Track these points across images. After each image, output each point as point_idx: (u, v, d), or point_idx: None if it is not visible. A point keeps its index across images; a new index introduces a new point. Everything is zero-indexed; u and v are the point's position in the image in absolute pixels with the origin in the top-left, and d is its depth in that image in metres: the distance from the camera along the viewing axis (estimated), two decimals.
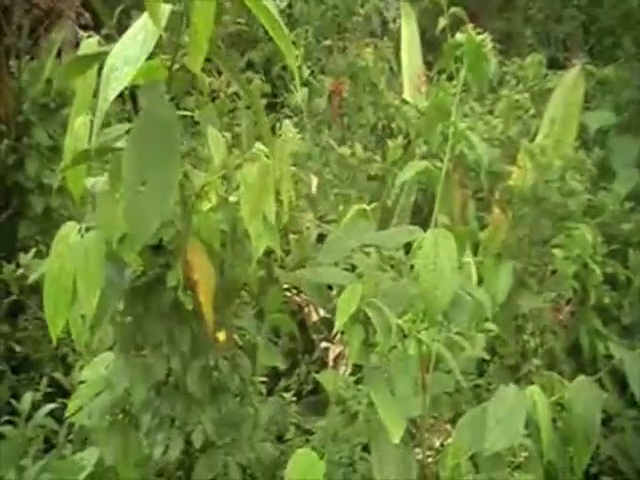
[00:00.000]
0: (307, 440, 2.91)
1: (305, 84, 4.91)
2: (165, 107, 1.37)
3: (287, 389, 3.43)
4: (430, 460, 2.10)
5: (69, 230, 1.57)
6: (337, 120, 4.76)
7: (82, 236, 1.56)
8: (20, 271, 3.05)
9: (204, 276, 1.70)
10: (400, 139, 3.73)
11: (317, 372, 3.65)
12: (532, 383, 2.87)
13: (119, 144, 1.44)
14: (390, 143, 3.68)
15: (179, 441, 1.83)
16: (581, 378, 1.73)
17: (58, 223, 1.68)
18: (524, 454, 2.03)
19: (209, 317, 1.72)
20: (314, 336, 3.79)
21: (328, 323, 3.06)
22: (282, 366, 2.30)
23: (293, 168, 3.67)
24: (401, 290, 1.71)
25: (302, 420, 3.06)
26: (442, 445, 2.22)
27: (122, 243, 1.52)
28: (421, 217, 3.77)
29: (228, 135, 1.60)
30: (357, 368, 2.34)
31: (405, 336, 1.72)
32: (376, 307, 1.63)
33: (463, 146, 3.15)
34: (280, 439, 2.73)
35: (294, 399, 3.10)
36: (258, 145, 1.69)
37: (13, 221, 3.88)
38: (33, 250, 3.04)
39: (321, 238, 2.61)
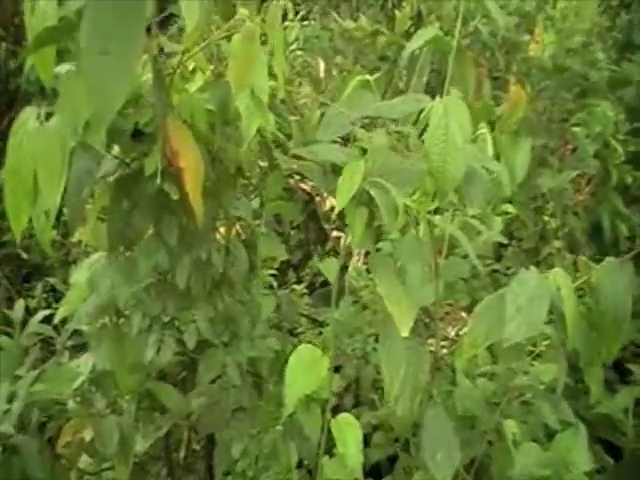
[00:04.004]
0: (320, 333, 2.83)
1: None
2: None
3: (300, 281, 3.36)
4: (445, 351, 1.99)
5: (28, 116, 1.40)
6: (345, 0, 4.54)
7: (41, 123, 1.39)
8: None
9: (191, 163, 1.53)
10: (408, 9, 3.49)
11: None
12: (553, 266, 2.76)
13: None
14: (398, 13, 3.45)
15: (171, 342, 1.71)
16: (610, 259, 1.58)
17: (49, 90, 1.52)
18: (546, 342, 1.91)
19: (198, 208, 1.56)
20: (326, 226, 3.69)
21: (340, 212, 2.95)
22: (284, 256, 2.17)
23: (300, 52, 3.49)
24: (410, 167, 1.54)
25: (314, 312, 2.98)
26: (458, 335, 2.11)
27: (89, 128, 1.35)
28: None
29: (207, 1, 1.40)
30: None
31: (414, 218, 1.57)
32: (381, 186, 1.46)
33: (477, 22, 2.94)
34: (292, 332, 2.64)
35: (306, 291, 3.02)
36: (243, 10, 1.50)
37: None
38: None
39: None
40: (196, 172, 1.57)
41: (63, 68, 1.54)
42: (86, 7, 1.12)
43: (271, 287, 2.49)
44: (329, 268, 1.58)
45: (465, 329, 2.04)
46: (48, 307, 2.64)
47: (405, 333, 1.43)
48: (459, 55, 2.39)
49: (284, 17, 4.72)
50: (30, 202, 1.36)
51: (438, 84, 3.90)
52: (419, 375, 1.61)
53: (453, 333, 2.11)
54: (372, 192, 1.43)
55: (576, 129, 3.16)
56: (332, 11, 4.43)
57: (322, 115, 2.42)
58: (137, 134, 1.56)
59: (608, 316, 1.50)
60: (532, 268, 1.52)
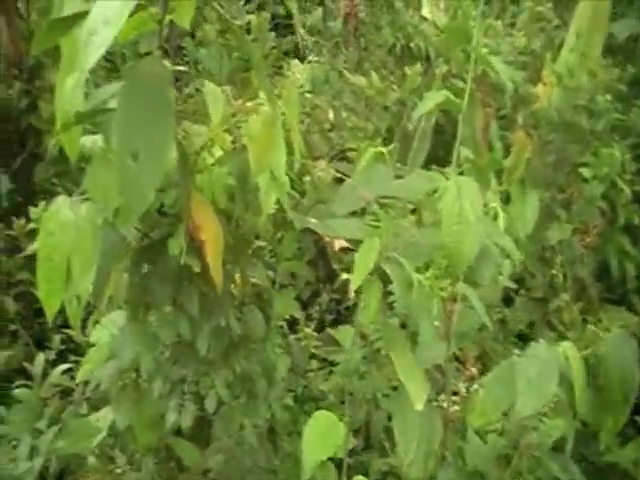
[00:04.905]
0: (330, 371, 2.87)
1: (320, 4, 4.76)
2: (154, 63, 1.24)
3: (309, 318, 3.40)
4: (456, 408, 2.03)
5: (60, 205, 1.46)
6: (353, 42, 4.59)
7: (73, 212, 1.45)
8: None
9: (212, 236, 1.60)
10: (418, 65, 3.55)
11: (338, 302, 3.61)
12: (562, 321, 2.80)
13: (112, 104, 1.32)
14: (408, 70, 3.51)
15: (192, 407, 1.77)
16: (617, 332, 1.63)
17: (74, 165, 1.58)
18: (555, 399, 1.96)
19: (218, 279, 1.62)
20: (335, 266, 3.73)
21: (348, 251, 3.01)
22: (298, 312, 2.23)
23: (309, 95, 3.55)
24: (423, 240, 1.60)
25: (324, 351, 3.01)
26: (468, 390, 2.15)
27: (118, 215, 1.41)
28: (443, 139, 3.64)
29: (227, 87, 1.47)
30: None
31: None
32: (395, 261, 1.52)
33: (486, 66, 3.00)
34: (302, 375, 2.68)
35: (317, 333, 3.05)
36: (262, 94, 1.56)
37: (29, 164, 3.83)
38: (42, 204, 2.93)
39: (338, 179, 2.50)
40: (216, 244, 1.63)
41: (88, 141, 1.60)
42: (117, 110, 1.18)
43: (281, 327, 2.53)
44: (343, 336, 1.63)
45: (475, 386, 2.09)
46: (62, 355, 2.69)
47: (420, 407, 1.48)
48: (469, 99, 2.45)
49: (294, 53, 4.81)
50: (63, 287, 1.42)
51: (447, 122, 3.97)
52: (432, 439, 1.66)
53: (463, 389, 2.15)
54: (387, 269, 1.48)
55: (583, 170, 3.20)
56: (340, 52, 4.49)
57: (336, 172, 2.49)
58: (161, 210, 1.62)
59: (615, 390, 1.55)
60: (541, 341, 1.57)
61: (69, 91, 1.48)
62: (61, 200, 1.46)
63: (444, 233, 1.49)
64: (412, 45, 4.31)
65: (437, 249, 1.53)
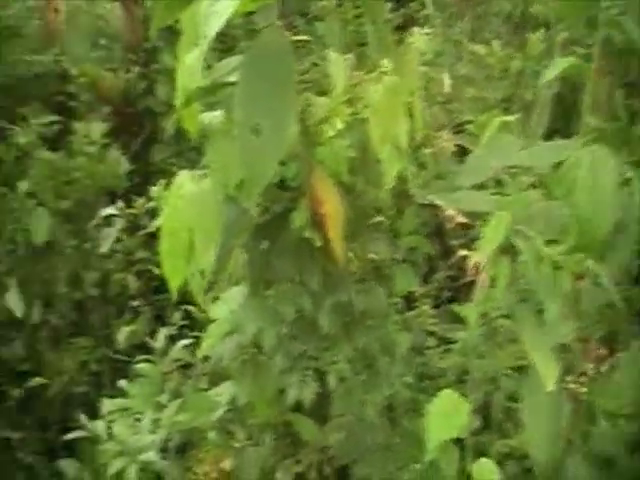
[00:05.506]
0: (448, 349, 2.81)
1: None
2: (275, 33, 1.21)
3: (426, 295, 3.34)
4: (583, 390, 1.94)
5: (183, 180, 1.46)
6: (468, 12, 4.45)
7: (197, 186, 1.44)
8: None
9: (332, 209, 1.57)
10: (539, 34, 3.41)
11: (455, 278, 3.53)
12: None
13: (232, 77, 1.31)
14: (531, 36, 3.37)
15: (313, 383, 1.75)
16: None
17: (190, 145, 1.58)
18: None
19: (339, 252, 1.60)
20: (453, 242, 3.65)
21: (466, 227, 2.93)
22: (416, 287, 2.18)
23: (423, 68, 3.47)
24: (553, 213, 1.52)
25: (441, 329, 2.95)
26: (596, 371, 2.05)
27: (239, 187, 1.40)
28: (564, 107, 3.51)
29: (350, 56, 1.43)
30: None
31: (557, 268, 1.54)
32: (526, 236, 1.45)
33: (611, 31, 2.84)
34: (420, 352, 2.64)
35: (433, 310, 2.99)
36: (385, 62, 1.52)
37: (147, 146, 3.93)
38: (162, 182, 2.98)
39: (460, 151, 2.42)
40: (337, 217, 1.60)
41: (207, 117, 1.59)
42: (238, 81, 1.16)
43: (395, 304, 2.49)
44: (469, 313, 1.58)
45: (603, 367, 1.99)
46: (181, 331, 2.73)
47: (550, 387, 1.42)
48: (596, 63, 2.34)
49: (406, 27, 4.71)
50: (186, 262, 1.42)
51: (567, 91, 3.81)
52: (560, 422, 1.59)
53: (590, 369, 2.05)
54: (517, 243, 1.42)
55: None
56: (455, 22, 4.37)
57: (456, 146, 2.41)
58: (282, 184, 1.60)
59: None
60: None
61: (190, 67, 1.48)
62: (184, 175, 1.46)
63: (577, 203, 1.41)
64: (530, 11, 4.15)
65: (569, 222, 1.45)
